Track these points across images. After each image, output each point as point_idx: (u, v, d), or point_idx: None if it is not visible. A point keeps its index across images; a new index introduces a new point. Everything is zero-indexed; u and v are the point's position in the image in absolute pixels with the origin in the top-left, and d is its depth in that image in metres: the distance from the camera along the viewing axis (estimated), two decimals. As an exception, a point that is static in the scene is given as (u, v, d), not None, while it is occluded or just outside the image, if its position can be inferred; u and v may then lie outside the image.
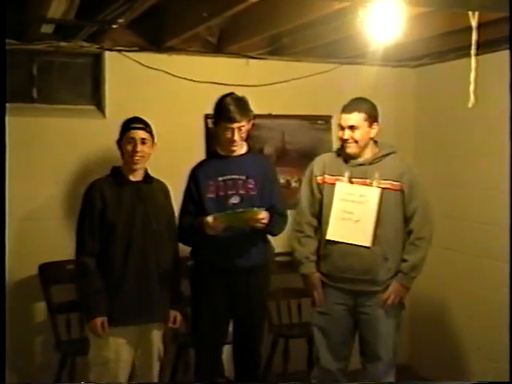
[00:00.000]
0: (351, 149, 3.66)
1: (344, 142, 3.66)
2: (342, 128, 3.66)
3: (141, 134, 3.52)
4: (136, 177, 3.58)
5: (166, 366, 3.99)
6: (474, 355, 4.64)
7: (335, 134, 4.86)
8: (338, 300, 3.73)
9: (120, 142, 3.58)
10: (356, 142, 3.64)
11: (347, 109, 3.66)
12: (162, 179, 3.78)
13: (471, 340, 4.68)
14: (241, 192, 3.69)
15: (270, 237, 3.85)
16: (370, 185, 3.65)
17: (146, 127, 3.56)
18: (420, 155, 5.15)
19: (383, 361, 3.73)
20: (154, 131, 3.62)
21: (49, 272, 4.23)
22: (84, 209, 3.54)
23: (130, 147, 3.51)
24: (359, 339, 3.82)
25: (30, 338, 4.27)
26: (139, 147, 3.50)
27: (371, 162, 3.69)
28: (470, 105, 3.13)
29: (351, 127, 3.63)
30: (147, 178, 3.64)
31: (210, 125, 4.49)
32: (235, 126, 3.60)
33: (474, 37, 3.05)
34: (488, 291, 4.48)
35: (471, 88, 3.10)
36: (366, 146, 3.69)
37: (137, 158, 3.52)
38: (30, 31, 4.04)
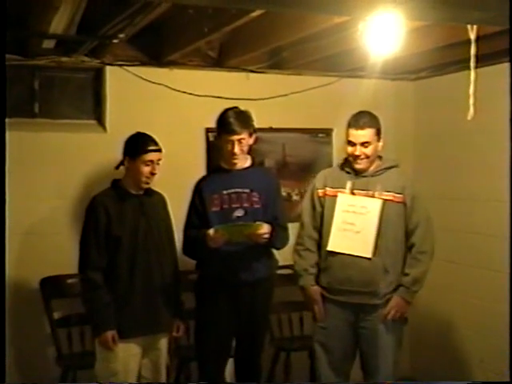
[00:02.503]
0: (362, 165, 3.64)
1: (355, 158, 3.62)
2: (353, 144, 3.61)
3: (158, 155, 3.56)
4: (137, 190, 3.60)
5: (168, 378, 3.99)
6: (477, 367, 4.63)
7: (336, 147, 4.90)
8: (339, 315, 3.70)
9: (131, 159, 3.56)
10: (368, 157, 3.62)
11: (358, 124, 3.59)
12: (163, 192, 3.80)
13: (474, 352, 4.67)
14: (245, 205, 3.70)
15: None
16: (372, 196, 3.63)
17: (160, 148, 3.58)
18: (419, 168, 5.16)
19: (383, 376, 3.69)
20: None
21: (50, 286, 4.23)
22: (88, 224, 3.53)
23: (147, 170, 3.52)
24: (360, 354, 3.78)
25: (32, 352, 4.26)
26: (156, 169, 3.54)
27: (373, 174, 3.68)
28: (469, 117, 3.14)
29: (364, 143, 3.59)
30: (148, 190, 3.65)
31: (211, 138, 4.52)
32: (235, 138, 3.62)
33: (473, 50, 3.07)
34: (491, 303, 4.48)
35: (470, 101, 3.11)
36: (373, 162, 3.68)
37: (151, 179, 3.57)
38: (31, 47, 4.06)
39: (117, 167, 3.64)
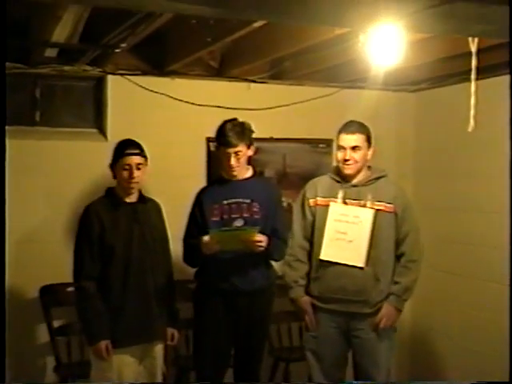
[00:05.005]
0: (351, 170, 3.66)
1: (344, 162, 3.65)
2: (343, 148, 3.65)
3: (136, 159, 3.49)
4: (131, 198, 3.58)
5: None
6: (477, 378, 4.62)
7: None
8: (331, 323, 3.71)
9: (113, 166, 3.55)
10: (356, 162, 3.65)
11: (349, 129, 3.65)
12: (163, 201, 3.78)
13: (474, 363, 4.66)
14: (245, 215, 3.70)
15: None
16: (364, 206, 3.65)
17: (141, 152, 3.54)
18: (419, 179, 5.17)
19: None
20: (149, 153, 3.59)
21: (49, 294, 4.23)
22: (81, 232, 3.52)
23: (126, 174, 3.48)
24: (353, 363, 3.79)
25: (31, 361, 4.25)
26: (135, 173, 3.48)
27: (364, 184, 3.70)
28: (469, 129, 3.14)
29: (354, 148, 3.63)
30: (142, 198, 3.63)
31: (212, 148, 4.52)
32: (231, 150, 3.63)
33: (474, 62, 3.08)
34: (490, 314, 4.47)
35: (471, 113, 3.12)
36: (362, 168, 3.71)
37: (133, 184, 3.51)
38: (33, 55, 4.08)
39: (114, 177, 3.61)
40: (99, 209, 3.52)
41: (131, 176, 3.47)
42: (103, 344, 3.40)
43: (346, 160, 3.64)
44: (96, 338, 3.43)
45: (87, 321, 3.49)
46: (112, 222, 3.49)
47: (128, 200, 3.57)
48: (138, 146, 3.54)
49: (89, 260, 3.45)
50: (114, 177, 3.58)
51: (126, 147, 3.52)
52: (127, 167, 3.47)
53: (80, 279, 3.48)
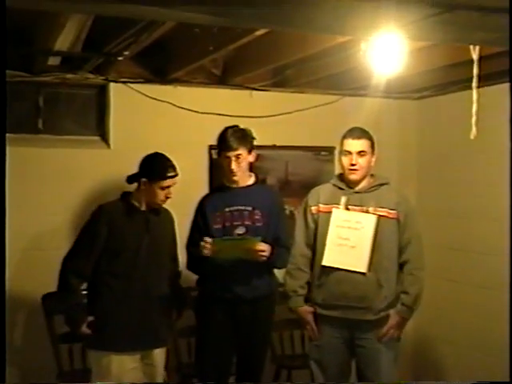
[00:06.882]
0: (356, 175, 3.65)
1: (350, 167, 3.64)
2: (349, 153, 3.63)
3: (175, 180, 3.55)
4: (146, 207, 3.59)
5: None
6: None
7: (338, 165, 4.91)
8: (335, 333, 3.69)
9: (148, 182, 3.51)
10: (362, 168, 3.64)
11: (354, 135, 3.64)
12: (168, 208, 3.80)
13: (477, 372, 4.65)
14: (247, 223, 3.70)
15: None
16: (367, 212, 3.64)
17: (178, 173, 3.56)
18: (422, 186, 5.17)
19: None
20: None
21: (52, 301, 4.22)
22: (87, 231, 3.53)
23: (163, 193, 3.51)
24: (357, 372, 3.77)
25: (33, 368, 4.25)
26: (171, 193, 3.54)
27: (367, 191, 3.69)
28: (472, 136, 3.15)
29: (360, 152, 3.62)
30: (156, 208, 3.65)
31: (214, 155, 4.52)
32: (231, 154, 3.64)
33: (476, 70, 3.09)
34: (492, 323, 4.46)
35: (473, 120, 3.13)
36: (367, 175, 3.71)
37: (165, 201, 3.57)
38: (37, 63, 4.09)
39: (130, 181, 3.58)
40: (112, 211, 3.55)
41: (168, 196, 3.54)
42: (85, 326, 3.45)
43: (352, 165, 3.63)
44: (78, 323, 3.47)
45: (67, 309, 3.53)
46: (123, 227, 3.52)
47: (142, 208, 3.58)
48: (174, 166, 3.55)
49: (83, 259, 3.48)
50: (130, 182, 3.57)
51: (167, 169, 3.51)
52: (165, 188, 3.52)
53: (68, 273, 3.49)
